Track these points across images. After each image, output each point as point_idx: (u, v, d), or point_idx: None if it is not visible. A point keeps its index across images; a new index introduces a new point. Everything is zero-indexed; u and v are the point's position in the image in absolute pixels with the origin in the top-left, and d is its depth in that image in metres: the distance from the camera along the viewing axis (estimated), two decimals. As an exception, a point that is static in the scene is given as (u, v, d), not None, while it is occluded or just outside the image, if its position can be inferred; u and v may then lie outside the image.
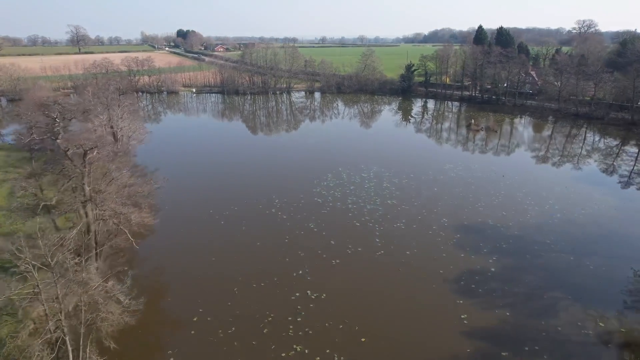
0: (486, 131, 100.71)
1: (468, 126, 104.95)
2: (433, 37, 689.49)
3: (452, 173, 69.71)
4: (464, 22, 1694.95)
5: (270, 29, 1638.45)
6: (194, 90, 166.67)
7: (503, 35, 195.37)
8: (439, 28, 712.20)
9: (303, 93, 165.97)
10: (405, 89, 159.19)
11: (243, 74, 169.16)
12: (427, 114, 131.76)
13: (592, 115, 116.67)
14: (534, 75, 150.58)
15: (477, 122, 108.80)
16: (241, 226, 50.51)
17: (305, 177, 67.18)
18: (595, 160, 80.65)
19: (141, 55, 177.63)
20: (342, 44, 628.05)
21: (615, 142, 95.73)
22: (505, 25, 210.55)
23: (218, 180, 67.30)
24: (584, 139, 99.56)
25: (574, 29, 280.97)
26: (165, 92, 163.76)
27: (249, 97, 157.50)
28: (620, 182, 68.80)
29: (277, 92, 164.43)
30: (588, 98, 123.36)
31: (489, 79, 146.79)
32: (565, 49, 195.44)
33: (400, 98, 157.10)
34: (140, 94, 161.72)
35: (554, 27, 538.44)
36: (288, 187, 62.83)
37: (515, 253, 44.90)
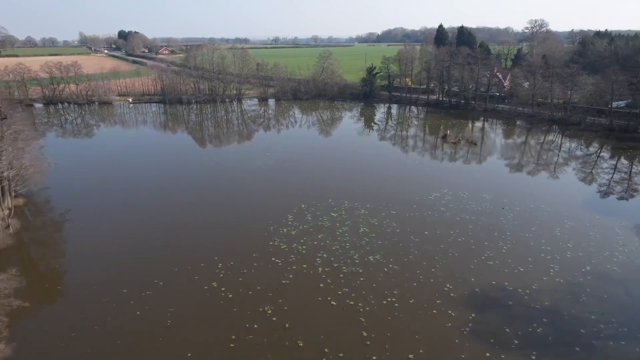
0: (463, 144, 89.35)
1: (443, 138, 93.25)
2: (386, 37, 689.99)
3: (440, 206, 56.68)
4: (416, 22, 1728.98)
5: (221, 30, 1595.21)
6: (130, 100, 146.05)
7: (464, 35, 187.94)
8: (392, 27, 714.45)
9: (256, 100, 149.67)
10: (367, 94, 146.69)
11: (187, 80, 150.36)
12: (392, 120, 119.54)
13: (569, 121, 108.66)
14: (500, 76, 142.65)
15: (453, 133, 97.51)
16: (165, 320, 34.56)
17: (259, 221, 51.89)
18: (602, 179, 70.41)
19: (67, 60, 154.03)
20: (296, 44, 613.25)
21: (607, 154, 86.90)
22: (450, 25, 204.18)
23: (143, 230, 50.53)
24: (569, 148, 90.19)
25: (527, 28, 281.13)
26: (96, 103, 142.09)
27: (194, 107, 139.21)
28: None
29: (227, 100, 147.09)
30: (560, 101, 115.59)
31: (457, 82, 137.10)
32: (525, 48, 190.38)
33: (362, 104, 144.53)
34: (62, 105, 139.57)
35: (502, 26, 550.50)
36: (236, 241, 47.35)
37: (558, 343, 31.98)
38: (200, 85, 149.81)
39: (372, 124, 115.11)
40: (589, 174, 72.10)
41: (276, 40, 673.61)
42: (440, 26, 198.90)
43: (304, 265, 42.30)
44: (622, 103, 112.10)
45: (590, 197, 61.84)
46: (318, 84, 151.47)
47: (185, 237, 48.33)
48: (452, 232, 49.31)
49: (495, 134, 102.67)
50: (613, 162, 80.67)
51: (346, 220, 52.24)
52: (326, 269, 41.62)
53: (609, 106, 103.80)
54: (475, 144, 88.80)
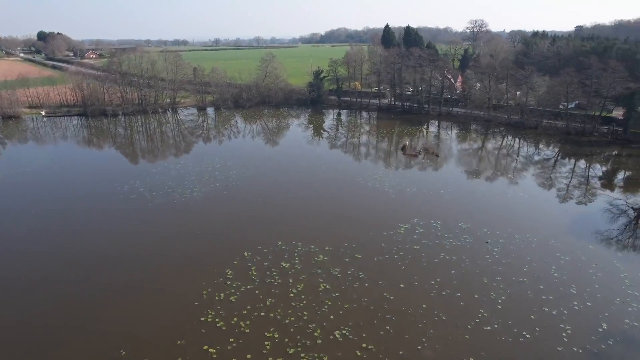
0: (425, 156, 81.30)
1: (402, 149, 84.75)
2: (330, 37, 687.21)
3: (413, 243, 47.19)
4: (358, 22, 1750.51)
5: (158, 31, 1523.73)
6: (43, 113, 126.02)
7: (411, 35, 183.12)
8: (335, 28, 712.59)
9: (193, 110, 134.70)
10: (315, 100, 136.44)
11: (112, 89, 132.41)
12: (343, 128, 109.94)
13: (525, 125, 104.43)
14: (451, 78, 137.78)
15: (412, 143, 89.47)
16: None
17: (188, 283, 39.60)
18: (579, 194, 64.26)
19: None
20: (237, 46, 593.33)
21: (579, 164, 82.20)
22: (393, 25, 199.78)
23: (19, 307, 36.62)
24: (537, 157, 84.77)
25: (468, 28, 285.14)
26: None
27: (121, 119, 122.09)
28: None
29: (160, 111, 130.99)
30: (511, 103, 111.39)
31: (410, 85, 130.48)
32: (471, 49, 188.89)
33: (310, 110, 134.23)
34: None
35: (442, 26, 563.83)
36: (152, 322, 34.89)
37: None
38: (131, 94, 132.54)
39: (322, 132, 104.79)
40: (565, 189, 65.77)
41: (217, 41, 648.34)
42: (387, 26, 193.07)
43: (248, 357, 30.78)
44: (572, 104, 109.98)
45: (574, 219, 54.98)
46: (261, 90, 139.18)
47: (73, 321, 35.11)
48: (433, 282, 39.76)
49: (455, 142, 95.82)
50: (582, 172, 75.62)
51: (301, 273, 41.22)
52: (278, 360, 30.41)
53: (566, 109, 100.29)
54: (437, 155, 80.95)
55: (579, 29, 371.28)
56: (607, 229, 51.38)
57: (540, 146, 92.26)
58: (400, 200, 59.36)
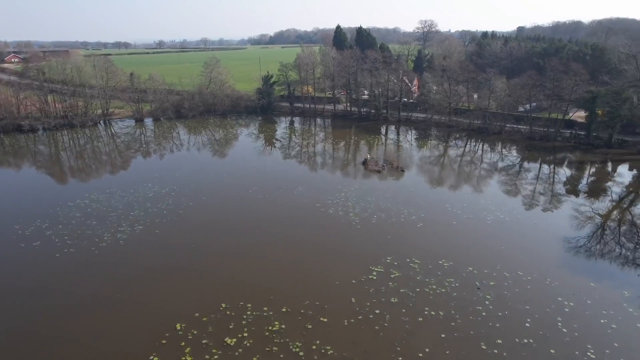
0: (389, 170, 73.45)
1: (364, 164, 76.47)
2: (279, 38, 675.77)
3: (390, 293, 38.49)
4: (308, 23, 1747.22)
5: (98, 32, 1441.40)
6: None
7: (363, 36, 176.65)
8: (284, 29, 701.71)
9: (130, 122, 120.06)
10: (265, 107, 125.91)
11: (28, 99, 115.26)
12: (296, 137, 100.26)
13: (489, 130, 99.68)
14: (407, 81, 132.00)
15: (373, 154, 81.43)
16: None
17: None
18: (565, 217, 58.30)
19: None
20: (183, 48, 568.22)
21: (569, 171, 77.23)
22: (342, 25, 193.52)
23: None
24: (512, 169, 79.15)
25: (418, 28, 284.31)
26: None
27: (41, 135, 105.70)
28: None
29: (89, 124, 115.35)
30: (471, 108, 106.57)
31: (365, 89, 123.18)
32: (425, 49, 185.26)
33: (260, 118, 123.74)
34: None
35: (390, 26, 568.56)
36: None
37: None
38: (55, 105, 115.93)
39: (274, 144, 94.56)
40: (550, 210, 59.74)
41: (161, 44, 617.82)
42: (338, 27, 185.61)
43: None
44: (529, 106, 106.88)
45: (565, 247, 48.49)
46: (206, 98, 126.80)
47: None
48: (420, 355, 31.10)
49: (418, 152, 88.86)
50: (562, 185, 70.51)
51: (252, 354, 31.24)
52: None
53: (529, 113, 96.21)
54: (403, 170, 73.23)
55: (521, 29, 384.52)
56: (610, 260, 45.22)
57: (509, 155, 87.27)
58: (368, 233, 50.59)
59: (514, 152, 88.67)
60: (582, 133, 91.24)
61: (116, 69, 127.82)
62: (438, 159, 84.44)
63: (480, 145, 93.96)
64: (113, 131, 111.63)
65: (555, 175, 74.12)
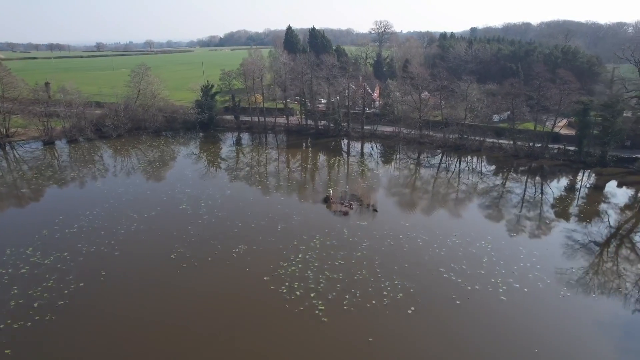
0: (357, 210, 57.67)
1: (326, 201, 60.21)
2: (230, 40, 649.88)
3: None
4: (259, 24, 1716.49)
5: (34, 33, 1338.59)
6: None
7: (317, 38, 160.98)
8: (234, 30, 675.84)
9: (38, 144, 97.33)
10: (206, 123, 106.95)
11: None
12: (243, 161, 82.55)
13: (467, 146, 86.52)
14: (367, 88, 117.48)
15: (336, 187, 65.23)
16: None
17: None
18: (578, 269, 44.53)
19: None
20: (125, 51, 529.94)
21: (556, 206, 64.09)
22: (295, 27, 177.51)
23: None
24: (505, 200, 65.35)
25: (373, 29, 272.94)
26: None
27: None
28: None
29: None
30: (441, 119, 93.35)
31: (322, 97, 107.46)
32: (386, 51, 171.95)
33: (201, 135, 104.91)
34: None
35: (344, 27, 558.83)
36: None
37: None
38: None
39: (212, 172, 76.40)
40: (572, 269, 46.11)
41: (100, 46, 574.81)
42: (289, 28, 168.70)
43: None
44: (504, 116, 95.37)
45: (602, 329, 34.40)
46: (135, 113, 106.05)
47: None
48: None
49: (389, 180, 73.66)
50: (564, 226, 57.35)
51: None
52: None
53: (512, 127, 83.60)
54: (376, 210, 57.54)
55: (474, 30, 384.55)
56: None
57: (496, 179, 73.86)
58: (339, 333, 34.24)
59: (500, 175, 75.61)
60: (572, 149, 79.78)
61: (13, 78, 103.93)
62: (416, 189, 69.64)
63: (459, 165, 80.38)
64: (15, 155, 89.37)
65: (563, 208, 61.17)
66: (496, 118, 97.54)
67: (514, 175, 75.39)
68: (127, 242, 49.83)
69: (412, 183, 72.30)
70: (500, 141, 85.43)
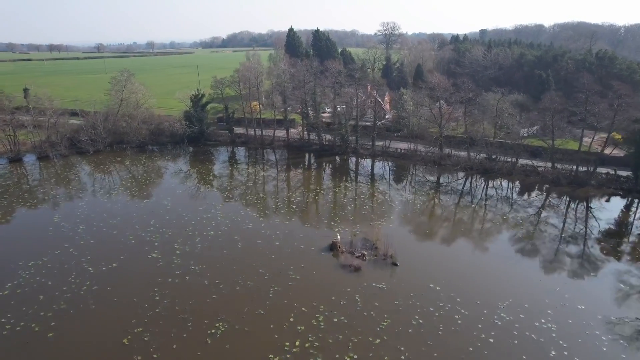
0: (371, 259, 45.28)
1: (332, 248, 47.74)
2: (232, 41, 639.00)
3: None
4: (262, 25, 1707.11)
5: (37, 34, 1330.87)
6: None
7: (321, 40, 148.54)
8: (237, 31, 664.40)
9: (5, 161, 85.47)
10: (196, 137, 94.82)
11: None
12: (227, 191, 70.45)
13: (496, 168, 73.85)
14: (376, 96, 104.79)
15: (347, 232, 52.60)
16: None
17: None
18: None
19: None
20: (125, 52, 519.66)
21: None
22: (299, 28, 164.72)
23: None
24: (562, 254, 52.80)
25: (379, 31, 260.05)
26: None
27: None
28: None
29: None
30: (464, 135, 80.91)
31: (327, 106, 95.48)
32: (395, 56, 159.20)
33: (191, 150, 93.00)
34: None
35: (348, 29, 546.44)
36: None
37: None
38: None
39: (203, 194, 64.11)
40: None
41: (99, 47, 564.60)
42: (291, 30, 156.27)
43: None
44: (532, 129, 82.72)
45: None
46: (116, 126, 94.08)
47: None
48: None
49: (407, 212, 61.15)
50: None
51: None
52: None
53: (551, 148, 70.69)
54: (396, 263, 45.00)
55: (484, 32, 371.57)
56: None
57: (533, 210, 61.17)
58: None
59: (537, 205, 62.93)
60: (625, 175, 67.01)
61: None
62: (439, 226, 57.09)
63: (486, 192, 67.79)
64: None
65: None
66: (524, 132, 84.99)
67: (554, 202, 62.84)
68: (69, 315, 37.55)
69: (434, 216, 59.82)
70: (535, 163, 72.72)
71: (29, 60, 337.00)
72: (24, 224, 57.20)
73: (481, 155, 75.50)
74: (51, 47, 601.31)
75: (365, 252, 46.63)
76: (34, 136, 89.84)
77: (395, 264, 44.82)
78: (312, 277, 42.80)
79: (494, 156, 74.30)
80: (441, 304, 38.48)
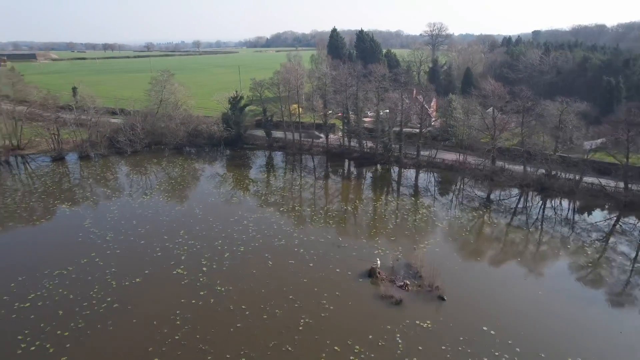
0: (414, 290, 40.24)
1: (370, 274, 43.00)
2: (276, 41, 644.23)
3: None
4: (306, 25, 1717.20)
5: (86, 34, 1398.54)
6: None
7: (365, 42, 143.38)
8: (281, 31, 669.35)
9: (47, 160, 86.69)
10: (233, 140, 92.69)
11: None
12: (260, 199, 67.03)
13: (556, 186, 66.27)
14: (422, 100, 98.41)
15: (387, 256, 47.62)
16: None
17: None
18: None
19: None
20: (173, 51, 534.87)
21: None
22: (342, 28, 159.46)
23: None
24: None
25: (426, 32, 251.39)
26: None
27: None
28: None
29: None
30: (520, 147, 73.52)
31: (370, 111, 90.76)
32: (442, 58, 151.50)
33: (228, 152, 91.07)
34: None
35: (393, 29, 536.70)
36: None
37: None
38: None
39: (238, 200, 61.19)
40: None
41: (149, 46, 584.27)
42: (334, 30, 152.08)
43: None
44: (597, 142, 73.84)
45: None
46: (154, 127, 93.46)
47: None
48: None
49: (455, 232, 55.34)
50: None
51: None
52: None
53: (624, 166, 62.31)
54: (443, 298, 39.66)
55: (537, 33, 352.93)
56: None
57: (599, 235, 53.73)
58: None
59: (601, 226, 55.34)
60: None
61: (25, 86, 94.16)
62: (491, 250, 51.02)
63: (543, 212, 60.69)
64: (27, 169, 79.32)
65: None
66: (587, 145, 76.38)
67: (626, 228, 55.05)
68: (85, 336, 35.05)
69: (486, 239, 53.65)
70: (603, 180, 64.60)
71: (83, 59, 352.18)
72: (57, 227, 56.28)
73: (539, 170, 68.07)
74: (105, 46, 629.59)
75: (408, 282, 41.61)
76: (76, 135, 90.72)
77: (443, 298, 39.48)
78: (347, 309, 38.30)
79: (553, 172, 66.73)
80: (497, 354, 32.94)
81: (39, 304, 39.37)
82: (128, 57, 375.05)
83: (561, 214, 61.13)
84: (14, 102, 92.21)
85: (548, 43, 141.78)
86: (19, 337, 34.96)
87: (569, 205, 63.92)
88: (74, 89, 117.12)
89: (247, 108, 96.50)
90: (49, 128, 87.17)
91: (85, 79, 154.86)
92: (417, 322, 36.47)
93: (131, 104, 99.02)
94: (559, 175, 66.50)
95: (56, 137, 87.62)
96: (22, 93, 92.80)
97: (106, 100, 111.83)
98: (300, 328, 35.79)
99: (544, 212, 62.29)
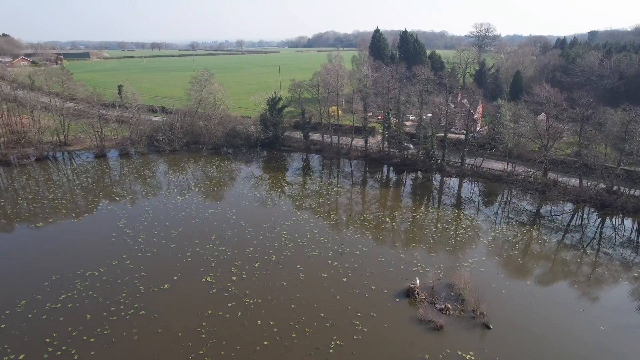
0: (456, 315, 36.76)
1: (408, 294, 39.86)
2: (318, 41, 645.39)
3: None
4: (348, 25, 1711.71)
5: (133, 34, 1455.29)
6: None
7: (409, 43, 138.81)
8: (323, 31, 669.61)
9: (90, 156, 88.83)
10: (271, 141, 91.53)
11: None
12: (296, 205, 65.03)
13: (617, 204, 60.23)
14: (467, 105, 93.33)
15: (426, 275, 44.25)
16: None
17: None
18: None
19: None
20: (216, 50, 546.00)
21: None
22: (385, 28, 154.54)
23: None
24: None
25: (472, 33, 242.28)
26: None
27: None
28: None
29: (31, 158, 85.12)
30: (575, 159, 67.54)
31: (412, 115, 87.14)
32: (489, 60, 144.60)
33: (265, 154, 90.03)
34: None
35: (437, 30, 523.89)
36: None
37: None
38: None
39: (273, 203, 59.54)
40: None
41: (193, 45, 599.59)
42: (377, 31, 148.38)
43: None
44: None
45: None
46: (193, 126, 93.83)
47: None
48: None
49: (501, 250, 51.02)
50: None
51: None
52: None
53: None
54: (489, 326, 35.97)
55: (593, 34, 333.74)
56: None
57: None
58: None
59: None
60: None
61: (73, 83, 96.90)
62: (542, 273, 46.44)
63: (601, 230, 55.09)
64: (74, 164, 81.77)
65: None
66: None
67: None
68: (110, 344, 34.12)
69: (536, 258, 48.96)
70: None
71: (132, 57, 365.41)
72: (93, 226, 56.58)
73: (599, 185, 62.20)
74: (153, 45, 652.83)
75: (449, 305, 38.20)
76: (117, 133, 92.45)
77: (488, 326, 35.84)
78: (382, 332, 35.42)
79: (615, 187, 60.73)
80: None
81: (69, 305, 39.02)
82: (173, 55, 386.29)
83: (623, 235, 55.37)
84: (63, 99, 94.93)
85: (609, 44, 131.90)
86: (47, 340, 34.53)
87: (633, 225, 57.94)
88: (120, 87, 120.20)
89: (285, 109, 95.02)
90: (93, 125, 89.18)
91: (131, 77, 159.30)
92: (459, 352, 33.12)
93: (171, 103, 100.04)
94: (622, 191, 60.41)
95: (99, 134, 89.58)
96: (70, 90, 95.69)
97: (148, 98, 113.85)
98: (331, 351, 33.31)
99: (602, 231, 56.70)
